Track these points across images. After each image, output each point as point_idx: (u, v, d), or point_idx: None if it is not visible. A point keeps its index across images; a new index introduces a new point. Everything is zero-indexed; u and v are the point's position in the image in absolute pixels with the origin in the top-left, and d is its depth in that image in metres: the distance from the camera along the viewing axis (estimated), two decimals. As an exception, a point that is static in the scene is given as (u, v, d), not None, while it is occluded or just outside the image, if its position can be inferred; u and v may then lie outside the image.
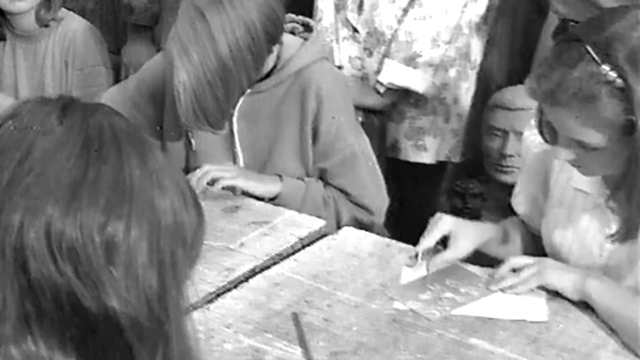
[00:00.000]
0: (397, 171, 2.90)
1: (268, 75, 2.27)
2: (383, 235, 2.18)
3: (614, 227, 1.81)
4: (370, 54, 2.85)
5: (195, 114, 2.11)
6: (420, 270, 1.91)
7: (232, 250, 2.01)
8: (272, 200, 2.26)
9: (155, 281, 0.89)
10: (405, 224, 2.54)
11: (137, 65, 3.00)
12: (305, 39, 2.32)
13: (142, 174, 0.90)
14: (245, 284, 1.90)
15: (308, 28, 2.37)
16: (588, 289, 1.77)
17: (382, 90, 2.83)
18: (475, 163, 2.95)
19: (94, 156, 0.88)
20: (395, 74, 2.79)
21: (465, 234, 1.92)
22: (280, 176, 2.29)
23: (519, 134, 2.55)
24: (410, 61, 2.78)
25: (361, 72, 2.88)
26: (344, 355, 1.67)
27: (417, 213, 2.49)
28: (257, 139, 2.32)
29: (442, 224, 1.92)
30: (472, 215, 2.86)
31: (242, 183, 2.23)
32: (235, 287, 1.89)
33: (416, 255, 1.92)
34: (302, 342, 1.70)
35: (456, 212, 2.92)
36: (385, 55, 2.81)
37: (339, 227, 2.20)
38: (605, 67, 1.60)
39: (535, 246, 2.03)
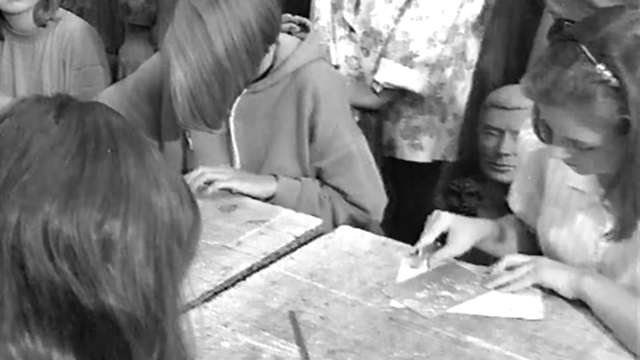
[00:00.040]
0: (393, 170, 2.90)
1: (265, 75, 2.27)
2: (379, 234, 2.19)
3: (608, 226, 1.81)
4: (367, 54, 2.86)
5: (192, 114, 2.11)
6: (421, 267, 1.93)
7: (230, 249, 2.01)
8: (268, 200, 2.26)
9: (152, 279, 0.89)
10: (401, 223, 2.55)
11: (134, 65, 3.01)
12: (302, 39, 2.32)
13: (138, 172, 0.90)
14: (242, 282, 1.90)
15: (305, 28, 2.37)
16: (583, 286, 1.78)
17: (378, 89, 2.83)
18: (471, 162, 2.95)
19: (90, 154, 0.89)
20: (391, 74, 2.79)
21: (463, 231, 1.94)
22: (275, 176, 2.29)
23: (515, 133, 2.55)
24: (407, 61, 2.78)
25: (358, 71, 2.88)
26: (340, 354, 1.67)
27: (413, 212, 2.50)
28: (254, 138, 2.32)
29: (441, 220, 1.94)
30: (468, 214, 2.85)
31: (237, 185, 2.23)
32: (233, 285, 1.89)
33: (417, 252, 1.94)
34: (299, 341, 1.70)
35: (452, 210, 2.89)
36: (382, 54, 2.82)
37: (335, 226, 2.20)
38: (600, 67, 1.61)
39: (531, 244, 2.04)
